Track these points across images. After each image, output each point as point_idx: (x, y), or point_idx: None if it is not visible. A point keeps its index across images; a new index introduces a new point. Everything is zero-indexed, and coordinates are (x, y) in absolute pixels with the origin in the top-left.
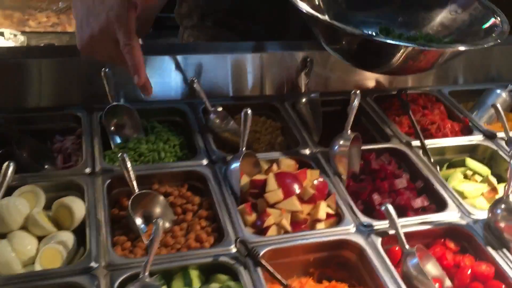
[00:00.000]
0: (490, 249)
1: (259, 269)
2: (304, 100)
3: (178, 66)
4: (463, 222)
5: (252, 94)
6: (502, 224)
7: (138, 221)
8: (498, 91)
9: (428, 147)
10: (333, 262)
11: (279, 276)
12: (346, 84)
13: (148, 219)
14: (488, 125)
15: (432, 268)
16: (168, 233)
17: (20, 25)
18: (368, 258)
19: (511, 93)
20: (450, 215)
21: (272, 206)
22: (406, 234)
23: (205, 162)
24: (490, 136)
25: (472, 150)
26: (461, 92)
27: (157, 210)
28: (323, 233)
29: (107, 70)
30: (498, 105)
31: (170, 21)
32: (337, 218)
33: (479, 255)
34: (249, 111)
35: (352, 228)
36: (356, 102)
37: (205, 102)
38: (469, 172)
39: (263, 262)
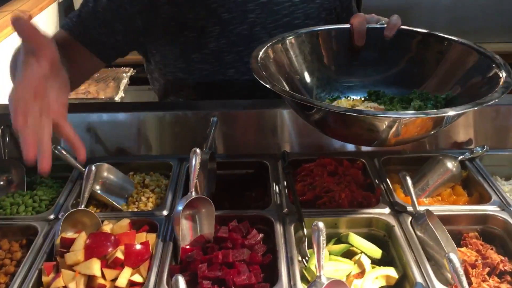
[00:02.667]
0: None
1: None
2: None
3: None
4: None
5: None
6: None
7: None
8: (444, 160)
9: (308, 217)
10: None
11: None
12: (261, 147)
13: None
14: (419, 198)
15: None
16: None
17: None
18: None
19: (462, 163)
20: None
21: (71, 267)
22: None
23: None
24: (398, 210)
25: (369, 225)
26: (400, 159)
27: None
28: None
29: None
30: (407, 177)
31: None
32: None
33: None
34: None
35: None
36: (193, 162)
37: None
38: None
39: None
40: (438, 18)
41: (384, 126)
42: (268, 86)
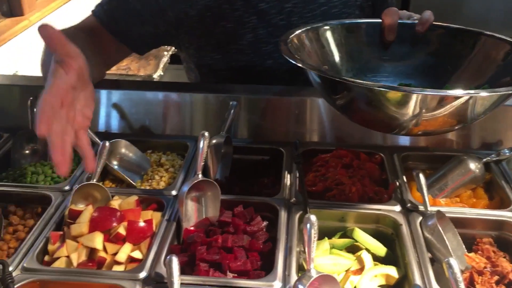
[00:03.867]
0: None
1: None
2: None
3: None
4: None
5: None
6: None
7: None
8: (468, 160)
9: (315, 209)
10: None
11: None
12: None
13: None
14: (436, 198)
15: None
16: None
17: None
18: None
19: (487, 165)
20: (267, 284)
21: (75, 238)
22: None
23: None
24: (409, 209)
25: (376, 221)
26: (421, 156)
27: None
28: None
29: None
30: (421, 174)
31: None
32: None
33: None
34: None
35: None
36: (201, 144)
37: None
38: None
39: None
40: (491, 12)
41: (417, 106)
42: (299, 64)
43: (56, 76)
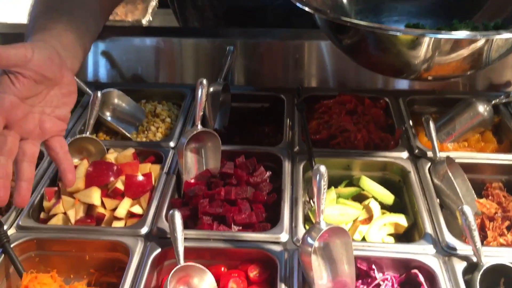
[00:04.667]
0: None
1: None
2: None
3: None
4: (277, 248)
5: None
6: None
7: None
8: (476, 103)
9: (320, 158)
10: (114, 268)
11: (19, 265)
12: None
13: None
14: (444, 143)
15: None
16: None
17: None
18: None
19: (495, 107)
20: (274, 237)
21: (71, 194)
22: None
23: None
24: (417, 155)
25: (383, 168)
26: (427, 100)
27: None
28: (104, 232)
29: None
30: (430, 121)
31: None
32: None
33: None
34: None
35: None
36: (200, 93)
37: None
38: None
39: (8, 247)
40: None
41: (430, 49)
42: (306, 9)
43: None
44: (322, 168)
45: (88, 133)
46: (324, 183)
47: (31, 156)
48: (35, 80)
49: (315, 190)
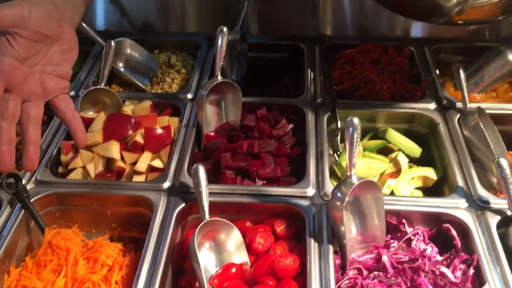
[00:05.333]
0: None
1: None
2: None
3: None
4: (304, 203)
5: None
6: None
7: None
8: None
9: (344, 109)
10: (137, 222)
11: (40, 220)
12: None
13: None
14: (471, 93)
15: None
16: None
17: None
18: None
19: None
20: (301, 191)
21: (90, 148)
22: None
23: None
24: (445, 106)
25: (410, 120)
26: (453, 48)
27: None
28: (125, 187)
29: None
30: (461, 69)
31: None
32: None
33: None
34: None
35: (165, 184)
36: (220, 42)
37: None
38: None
39: (28, 202)
40: None
41: None
42: None
43: None
44: (356, 120)
45: (102, 84)
46: (357, 135)
47: (36, 119)
48: (33, 40)
49: (347, 143)
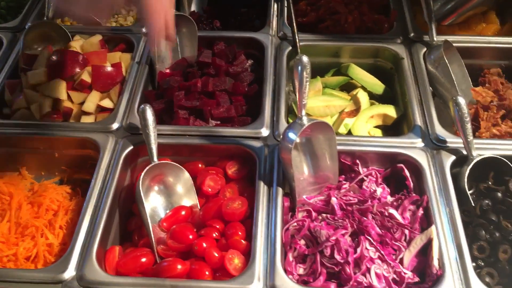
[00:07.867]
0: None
1: None
2: None
3: None
4: (257, 144)
5: None
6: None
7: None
8: None
9: (306, 43)
10: (87, 165)
11: None
12: None
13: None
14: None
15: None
16: None
17: None
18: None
19: None
20: (254, 132)
21: (34, 87)
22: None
23: None
24: (412, 39)
25: (375, 55)
26: None
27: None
28: (71, 128)
29: None
30: None
31: None
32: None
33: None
34: None
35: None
36: None
37: None
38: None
39: None
40: None
41: None
42: None
43: None
44: (305, 58)
45: (50, 16)
46: (306, 75)
47: None
48: None
49: (296, 83)
